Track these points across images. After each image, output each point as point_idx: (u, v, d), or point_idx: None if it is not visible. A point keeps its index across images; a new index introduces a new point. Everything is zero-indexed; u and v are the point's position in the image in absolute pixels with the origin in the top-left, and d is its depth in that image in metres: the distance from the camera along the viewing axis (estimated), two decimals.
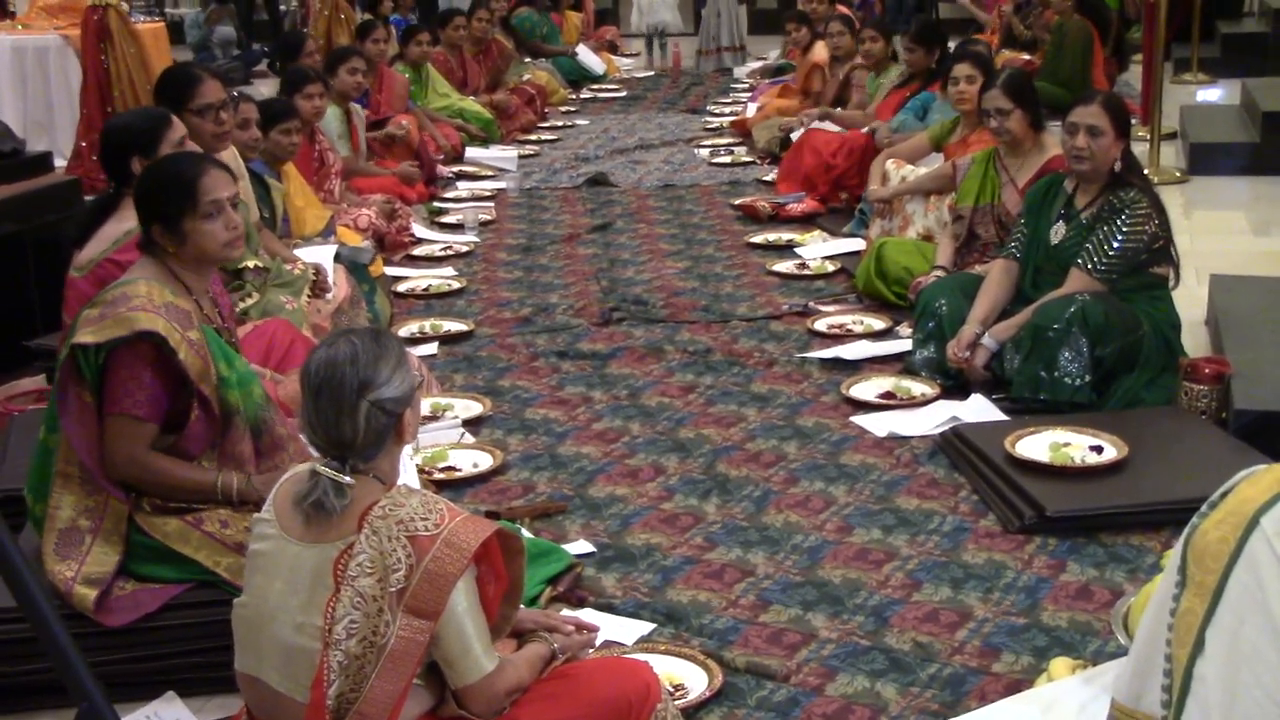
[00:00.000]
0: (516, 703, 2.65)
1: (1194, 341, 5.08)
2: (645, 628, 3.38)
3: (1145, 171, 7.48)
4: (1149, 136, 8.41)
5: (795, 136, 8.14)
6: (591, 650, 3.07)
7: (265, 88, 12.97)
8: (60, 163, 8.94)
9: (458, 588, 2.52)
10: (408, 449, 3.44)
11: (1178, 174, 8.26)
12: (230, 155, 4.91)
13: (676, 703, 2.96)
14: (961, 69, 6.17)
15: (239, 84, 13.65)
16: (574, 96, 12.14)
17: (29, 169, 5.63)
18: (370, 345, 2.65)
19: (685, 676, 3.14)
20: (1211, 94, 11.15)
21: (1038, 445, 4.10)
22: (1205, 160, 8.31)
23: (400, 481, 2.75)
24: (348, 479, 2.59)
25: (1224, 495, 1.62)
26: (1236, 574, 1.53)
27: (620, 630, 3.36)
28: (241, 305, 4.53)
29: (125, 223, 3.96)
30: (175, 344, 3.13)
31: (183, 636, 3.21)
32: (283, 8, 15.67)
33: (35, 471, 3.31)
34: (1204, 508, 1.62)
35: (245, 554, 2.88)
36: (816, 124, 8.17)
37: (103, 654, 3.06)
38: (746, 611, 3.46)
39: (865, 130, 7.53)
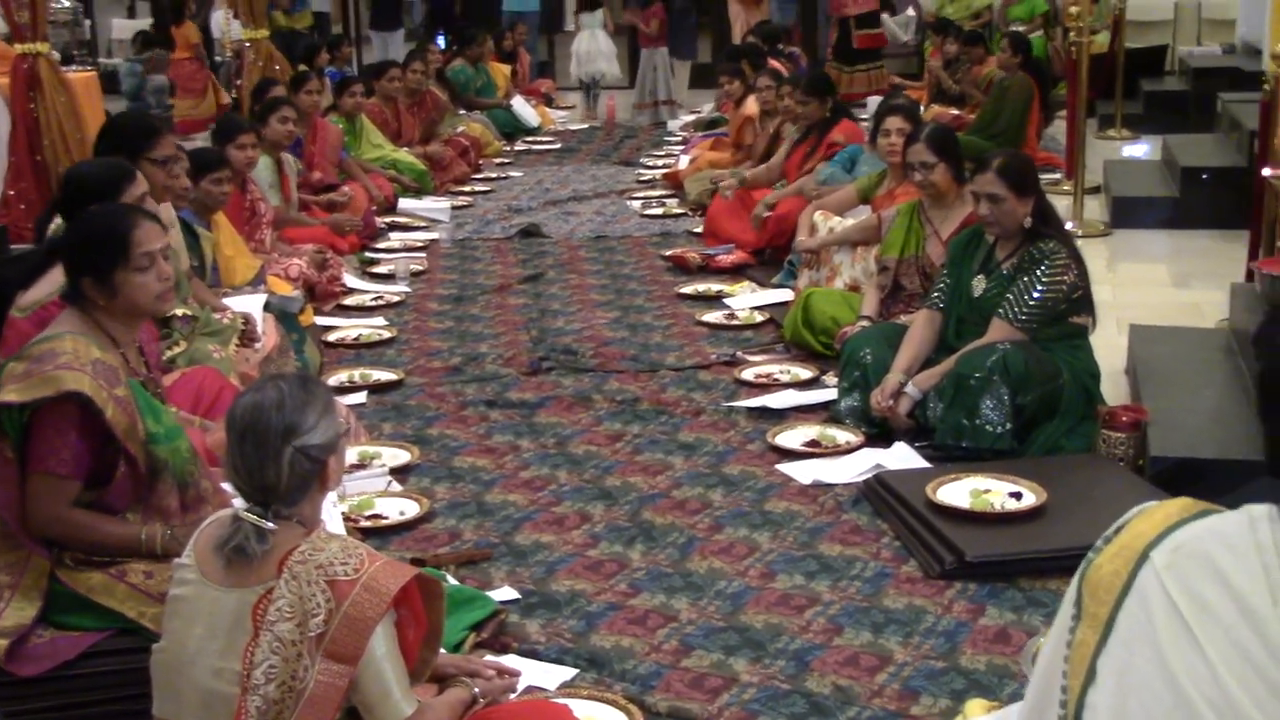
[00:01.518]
0: None
1: (1114, 390, 5.18)
2: (568, 673, 3.39)
3: (1069, 224, 7.68)
4: (1073, 190, 8.58)
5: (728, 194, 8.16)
6: (513, 695, 3.10)
7: (198, 137, 13.00)
8: None
9: (376, 633, 2.54)
10: (332, 495, 3.46)
11: (1102, 226, 8.42)
12: (166, 212, 4.94)
13: None
14: (892, 122, 6.27)
15: (171, 132, 13.66)
16: (508, 148, 12.19)
17: None
18: (297, 391, 2.68)
19: None
20: (1138, 149, 11.37)
21: (958, 492, 4.16)
22: (1128, 214, 8.46)
23: (323, 527, 2.78)
24: (270, 524, 2.61)
25: (1118, 530, 1.67)
26: (1127, 606, 1.58)
27: (543, 675, 3.36)
28: (169, 353, 4.53)
29: None
30: (102, 403, 3.11)
31: (101, 684, 3.14)
32: (218, 58, 15.65)
33: None
34: (1099, 543, 1.67)
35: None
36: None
37: (17, 704, 3.03)
38: (669, 656, 3.48)
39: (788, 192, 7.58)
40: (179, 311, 4.68)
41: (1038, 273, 4.73)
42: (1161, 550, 1.57)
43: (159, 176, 4.88)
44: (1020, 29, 14.17)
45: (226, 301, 5.25)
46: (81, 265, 3.32)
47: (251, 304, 5.29)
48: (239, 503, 2.70)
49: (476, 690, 2.88)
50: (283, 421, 2.63)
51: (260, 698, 2.50)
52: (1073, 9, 9.58)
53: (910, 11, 15.12)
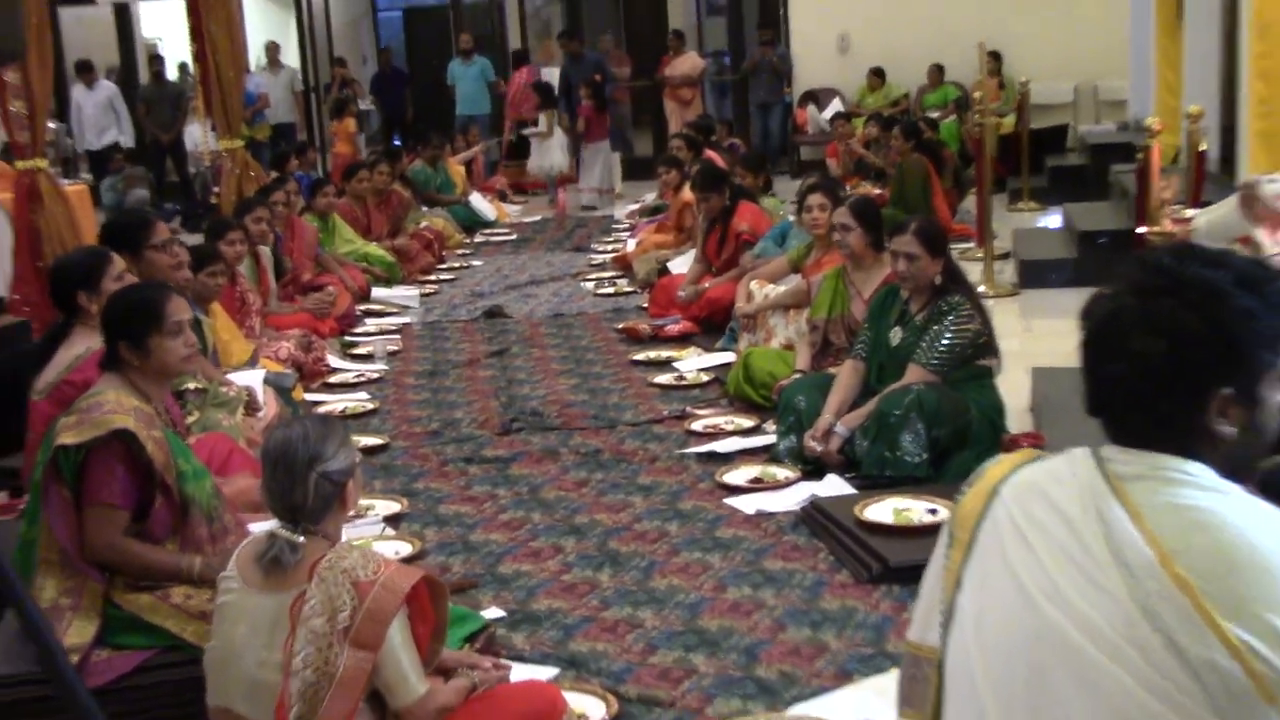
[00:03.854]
0: None
1: (1021, 423, 5.53)
2: (552, 671, 3.71)
3: (981, 286, 8.12)
4: (983, 256, 9.02)
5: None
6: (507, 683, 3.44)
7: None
8: None
9: (393, 624, 2.88)
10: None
11: (1011, 287, 8.81)
12: None
13: None
14: (814, 199, 6.68)
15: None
16: (469, 241, 12.40)
17: None
18: (319, 427, 3.06)
19: (587, 707, 3.46)
20: (1052, 220, 11.73)
21: (883, 510, 4.52)
22: (1034, 275, 8.82)
23: (345, 539, 3.14)
24: (300, 538, 2.98)
25: (978, 477, 2.08)
26: (983, 528, 1.97)
27: (530, 674, 3.66)
28: (186, 421, 4.87)
29: (75, 349, 4.31)
30: (144, 439, 3.48)
31: (152, 695, 3.44)
32: (192, 169, 16.01)
33: (17, 561, 3.62)
34: (964, 487, 2.08)
35: (208, 622, 3.23)
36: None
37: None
38: (637, 655, 3.82)
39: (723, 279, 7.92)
40: (191, 385, 5.00)
41: (946, 322, 5.13)
42: (1007, 485, 1.98)
43: (162, 259, 5.23)
44: (934, 115, 14.79)
45: (230, 377, 5.58)
46: (120, 331, 3.68)
47: (252, 378, 5.58)
48: (273, 524, 3.07)
49: (476, 678, 3.21)
50: (308, 452, 3.00)
51: (300, 681, 2.84)
52: (977, 94, 10.13)
53: (836, 102, 15.65)
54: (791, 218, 7.72)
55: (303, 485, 2.98)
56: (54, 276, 4.58)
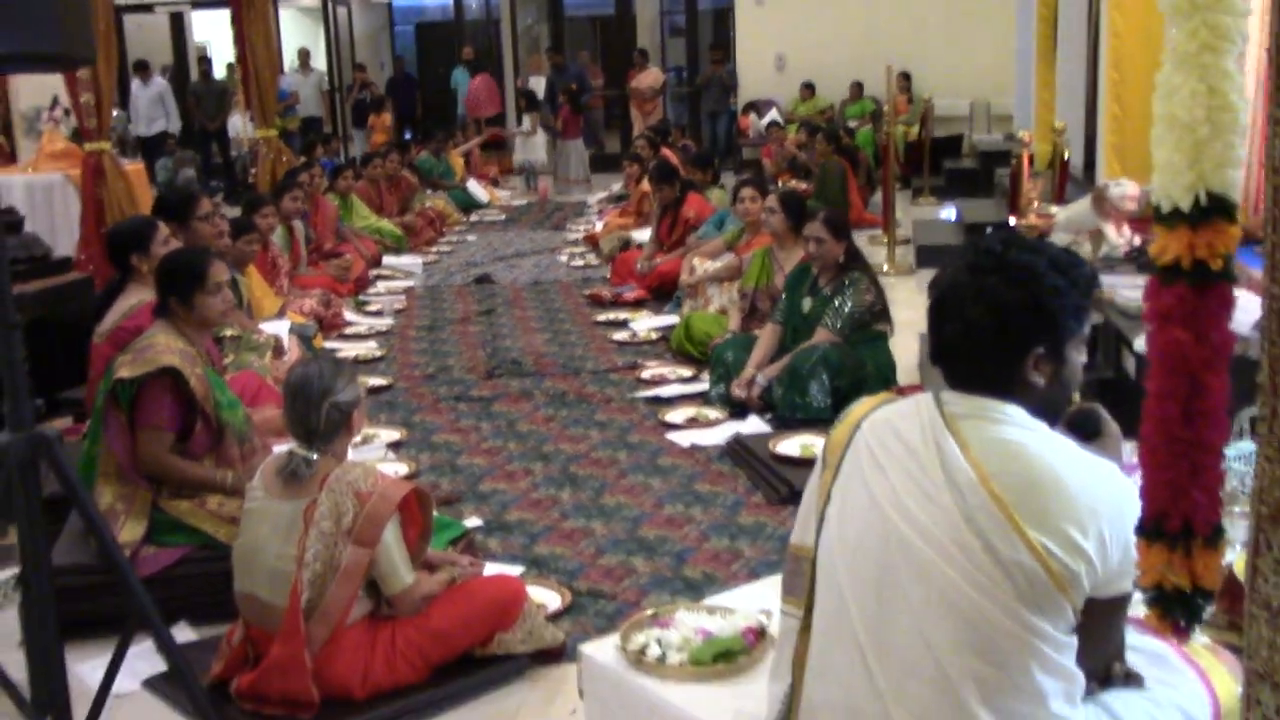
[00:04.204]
0: (429, 606, 3.12)
1: (909, 379, 5.59)
2: (519, 569, 3.80)
3: (884, 264, 8.21)
4: (887, 241, 9.11)
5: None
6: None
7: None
8: None
9: (387, 526, 2.97)
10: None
11: (910, 267, 8.91)
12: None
13: (541, 615, 3.44)
14: (746, 192, 6.75)
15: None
16: (465, 220, 12.34)
17: (54, 269, 5.89)
18: (331, 366, 3.14)
19: (546, 598, 3.55)
20: (949, 212, 11.81)
21: (792, 445, 4.63)
22: (929, 257, 8.84)
23: (350, 459, 3.23)
24: (314, 456, 3.06)
25: (847, 413, 2.17)
26: (848, 455, 2.06)
27: (500, 571, 3.72)
28: (223, 362, 4.92)
29: (129, 299, 4.35)
30: (188, 375, 3.55)
31: (190, 584, 3.54)
32: (234, 153, 15.90)
33: (81, 473, 3.68)
34: (836, 421, 2.17)
35: (237, 526, 3.31)
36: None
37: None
38: (588, 558, 3.92)
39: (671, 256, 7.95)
40: (228, 332, 5.04)
41: (848, 294, 5.24)
42: (867, 421, 2.07)
43: (206, 229, 5.25)
44: (853, 124, 14.87)
45: (261, 326, 5.62)
46: (170, 288, 3.75)
47: (279, 328, 5.61)
48: (292, 445, 3.15)
49: (455, 572, 3.32)
50: (321, 385, 3.08)
51: (310, 572, 2.93)
52: (887, 108, 10.20)
53: (774, 111, 15.68)
54: (729, 207, 7.78)
55: (316, 412, 3.06)
56: (110, 240, 4.61)
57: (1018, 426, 1.91)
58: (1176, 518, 1.42)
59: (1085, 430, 2.15)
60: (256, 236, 6.44)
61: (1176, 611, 1.46)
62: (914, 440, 1.96)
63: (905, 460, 1.95)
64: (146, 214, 8.81)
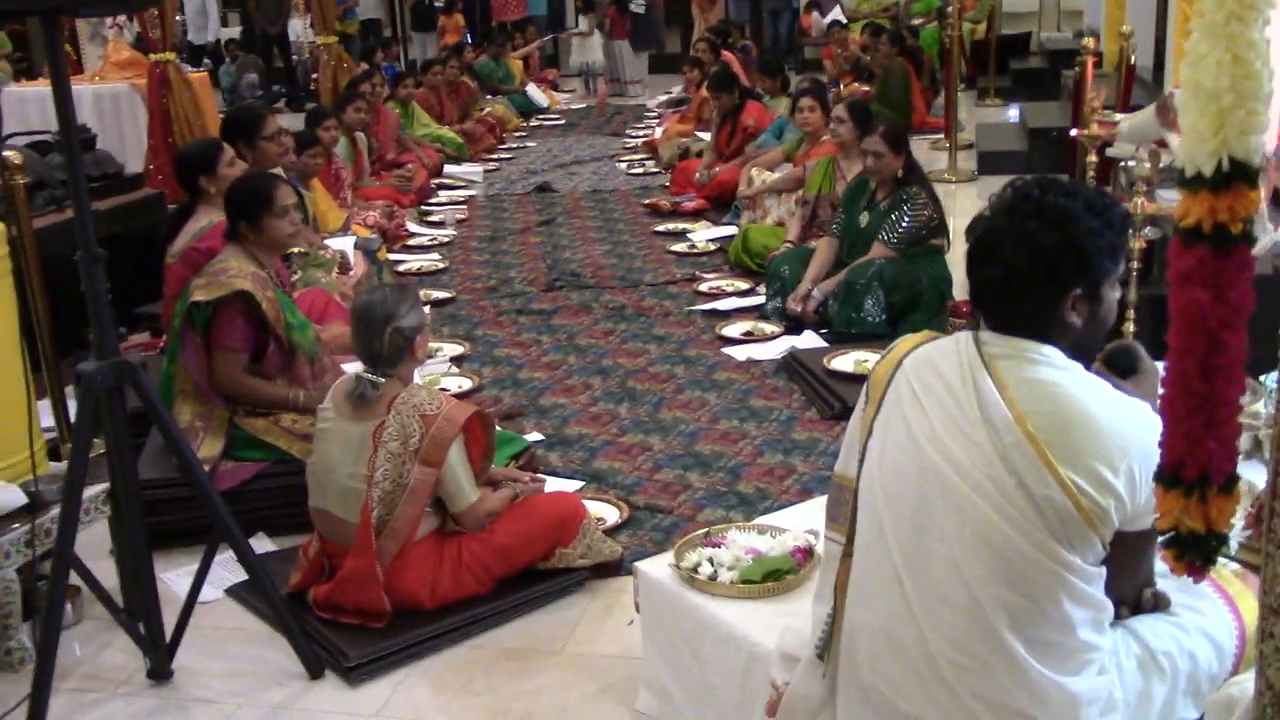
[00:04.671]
0: (493, 522, 3.27)
1: (965, 292, 5.69)
2: (578, 484, 3.94)
3: (945, 170, 8.15)
4: (949, 147, 9.04)
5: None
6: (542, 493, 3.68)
7: (282, 119, 13.40)
8: None
9: (452, 447, 3.11)
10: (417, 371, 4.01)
11: (971, 173, 8.84)
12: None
13: (599, 529, 3.59)
14: (805, 101, 6.72)
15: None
16: (525, 125, 12.37)
17: (126, 186, 6.02)
18: (394, 292, 3.25)
19: (604, 512, 3.69)
20: (1013, 113, 11.68)
21: (845, 361, 4.69)
22: (990, 164, 8.79)
23: (415, 382, 3.36)
24: (380, 380, 3.20)
25: (889, 350, 2.26)
26: (889, 391, 2.14)
27: (561, 486, 3.88)
28: (291, 279, 5.06)
29: (200, 221, 4.46)
30: (259, 299, 3.69)
31: (266, 497, 3.71)
32: (295, 57, 15.98)
33: (160, 391, 3.85)
34: (878, 358, 2.25)
35: (309, 443, 3.47)
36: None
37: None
38: (646, 473, 4.04)
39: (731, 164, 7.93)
40: (295, 250, 5.19)
41: (905, 209, 5.25)
42: (909, 358, 2.15)
43: (271, 148, 5.35)
44: (917, 21, 14.59)
45: (327, 243, 5.75)
46: (240, 212, 3.86)
47: (344, 243, 5.72)
48: (359, 366, 3.29)
49: (518, 489, 3.45)
50: (385, 310, 3.19)
51: (380, 490, 3.09)
52: (950, 5, 10.00)
53: (837, 9, 15.43)
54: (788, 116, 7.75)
55: (380, 337, 3.18)
56: (178, 163, 4.69)
57: (1054, 367, 1.99)
58: (1193, 467, 1.49)
59: (1122, 366, 2.22)
60: (320, 150, 6.54)
61: (1192, 553, 1.53)
62: (953, 379, 2.04)
63: (944, 397, 2.03)
64: (211, 122, 9.05)
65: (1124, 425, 1.92)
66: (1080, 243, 1.96)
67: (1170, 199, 4.91)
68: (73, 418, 4.41)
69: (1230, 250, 1.44)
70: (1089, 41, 6.43)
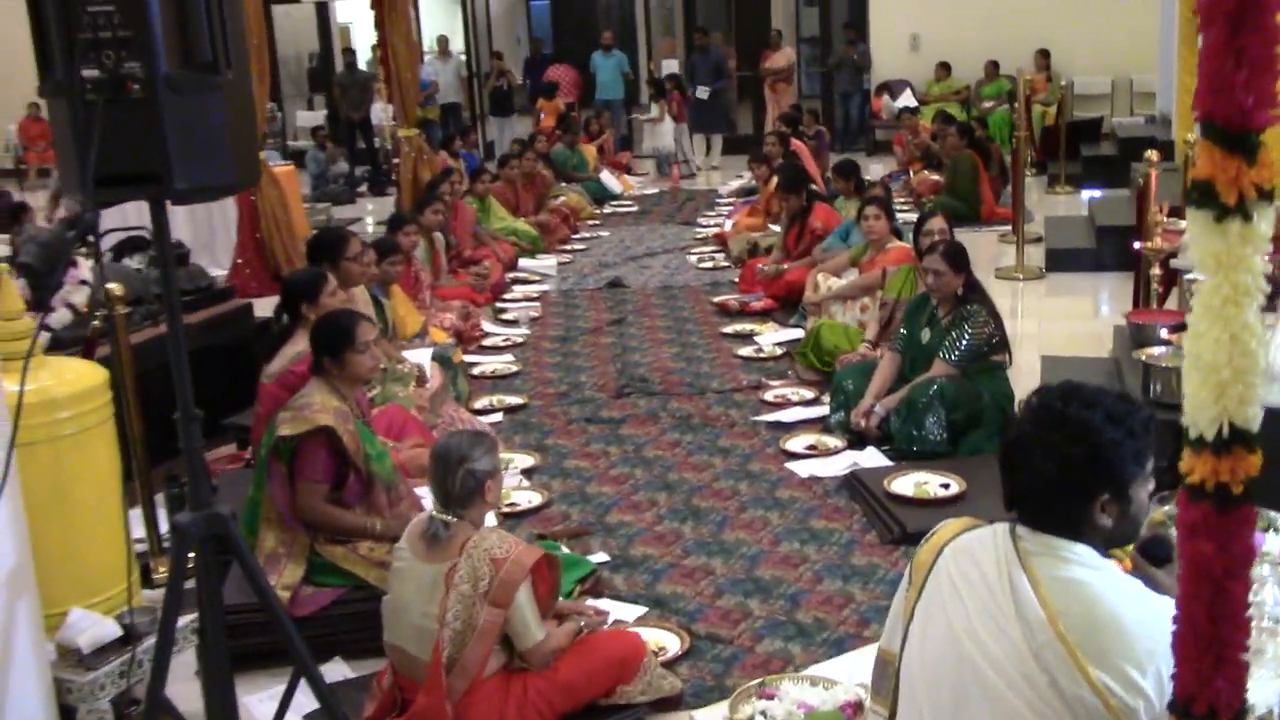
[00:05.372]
0: (557, 659, 3.40)
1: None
2: (641, 610, 4.05)
3: (1014, 269, 8.20)
4: (1016, 240, 9.02)
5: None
6: (605, 626, 3.75)
7: (366, 204, 13.87)
8: (219, 272, 9.75)
9: (520, 589, 3.25)
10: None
11: (1039, 271, 8.78)
12: (360, 291, 5.68)
13: (660, 660, 3.69)
14: (871, 210, 6.83)
15: (346, 201, 14.53)
16: (598, 213, 12.49)
17: (217, 298, 6.28)
18: (471, 437, 3.42)
19: (666, 641, 3.79)
20: (1087, 200, 11.56)
21: (906, 484, 4.77)
22: (1060, 261, 8.75)
23: (486, 525, 3.51)
24: (451, 520, 3.36)
25: (931, 534, 2.38)
26: (931, 578, 2.26)
27: (625, 612, 4.01)
28: (370, 394, 5.26)
29: (298, 345, 4.69)
30: (341, 433, 3.88)
31: (344, 623, 3.86)
32: (377, 141, 16.44)
33: (246, 517, 4.03)
34: (921, 541, 2.37)
35: (386, 569, 3.63)
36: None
37: None
38: (708, 599, 4.13)
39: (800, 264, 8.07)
40: None
41: (965, 327, 5.33)
42: (950, 547, 2.27)
43: (354, 268, 5.59)
44: (988, 104, 14.71)
45: (405, 355, 5.95)
46: (324, 348, 4.08)
47: (421, 356, 5.92)
48: (432, 506, 3.44)
49: (581, 624, 3.57)
50: (459, 453, 3.36)
51: (451, 630, 3.22)
52: (1019, 87, 10.03)
53: (907, 93, 15.59)
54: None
55: (453, 477, 3.34)
56: (284, 290, 4.90)
57: (1086, 567, 2.10)
58: (1203, 702, 1.60)
59: (1157, 556, 2.32)
60: (400, 257, 6.78)
61: None
62: (990, 573, 2.16)
63: (981, 590, 2.15)
64: (298, 218, 9.39)
65: (1153, 626, 2.01)
66: (1104, 453, 2.07)
67: None
68: (163, 528, 4.66)
69: (1233, 508, 1.56)
70: (1152, 154, 6.50)
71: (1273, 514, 2.89)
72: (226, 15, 2.70)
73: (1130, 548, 2.44)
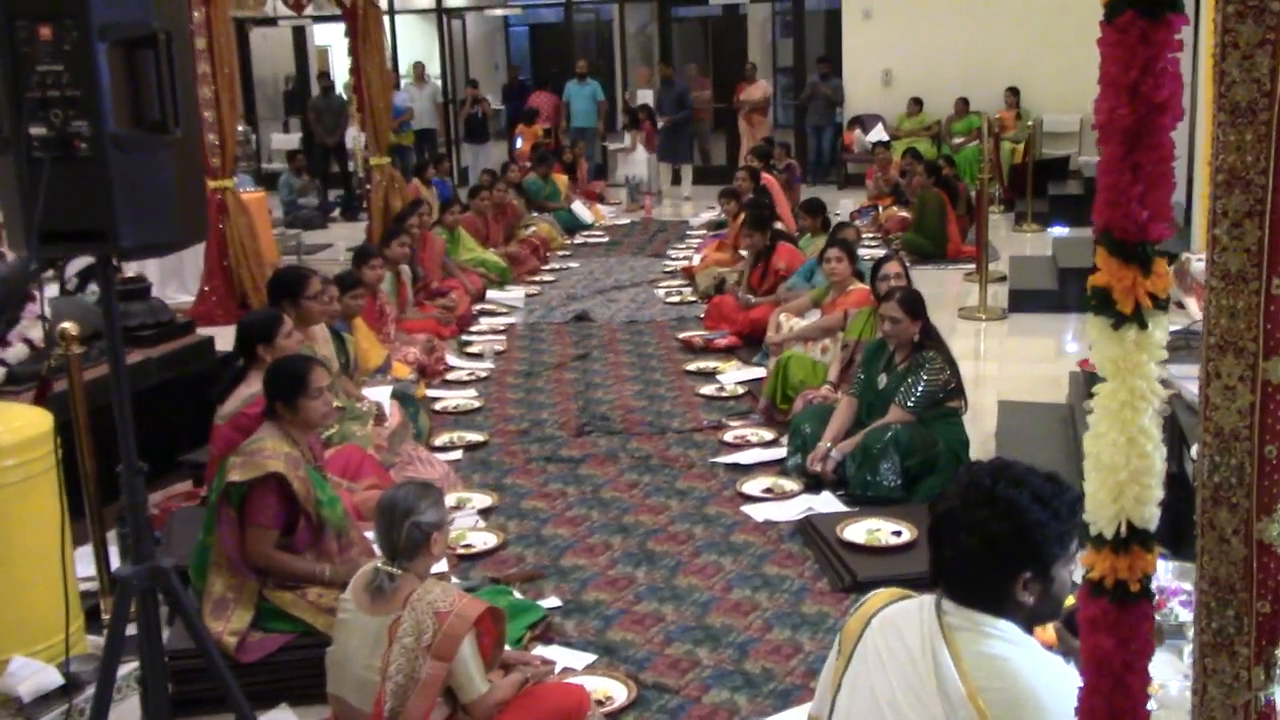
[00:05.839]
0: (501, 711, 3.40)
1: (985, 450, 5.61)
2: (590, 658, 4.05)
3: (977, 309, 8.25)
4: (979, 279, 9.07)
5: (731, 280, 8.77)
6: (552, 676, 3.77)
7: (338, 230, 13.86)
8: (187, 298, 9.74)
9: (464, 641, 3.26)
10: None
11: (1002, 312, 8.81)
12: (320, 328, 5.68)
13: (604, 709, 3.70)
14: (833, 253, 6.87)
15: (318, 227, 14.51)
16: (569, 243, 12.50)
17: (178, 332, 6.25)
18: (418, 489, 3.44)
19: (613, 691, 3.81)
20: (1052, 236, 11.77)
21: (858, 531, 4.78)
22: (1023, 302, 8.80)
23: (431, 578, 3.52)
24: (397, 572, 3.37)
25: (862, 602, 2.41)
26: (858, 649, 2.30)
27: (573, 659, 4.02)
28: (326, 433, 5.25)
29: (252, 387, 4.70)
30: (292, 479, 3.89)
31: (291, 668, 3.85)
32: (351, 166, 16.45)
33: (196, 560, 4.03)
34: (851, 610, 2.41)
35: (334, 616, 3.64)
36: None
37: (240, 679, 3.75)
38: (657, 647, 4.14)
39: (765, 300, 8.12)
40: (333, 404, 5.40)
41: (922, 373, 5.39)
42: (877, 618, 2.31)
43: (314, 307, 5.61)
44: (958, 140, 14.85)
45: (364, 392, 5.96)
46: (277, 393, 4.10)
47: (381, 393, 5.93)
48: (379, 559, 3.46)
49: (527, 674, 3.56)
50: (406, 504, 3.38)
51: (393, 683, 3.22)
52: (985, 130, 10.16)
53: (879, 128, 15.73)
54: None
55: (399, 529, 3.36)
56: (239, 331, 4.92)
57: (1007, 642, 2.13)
58: None
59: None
60: (363, 291, 6.79)
61: None
62: (914, 645, 2.19)
63: (905, 663, 2.18)
64: (266, 244, 9.38)
65: (1071, 704, 2.04)
66: (1028, 533, 2.11)
67: (1179, 374, 5.00)
68: (115, 565, 4.64)
69: (1131, 604, 1.59)
70: None
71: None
72: (176, 75, 2.73)
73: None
